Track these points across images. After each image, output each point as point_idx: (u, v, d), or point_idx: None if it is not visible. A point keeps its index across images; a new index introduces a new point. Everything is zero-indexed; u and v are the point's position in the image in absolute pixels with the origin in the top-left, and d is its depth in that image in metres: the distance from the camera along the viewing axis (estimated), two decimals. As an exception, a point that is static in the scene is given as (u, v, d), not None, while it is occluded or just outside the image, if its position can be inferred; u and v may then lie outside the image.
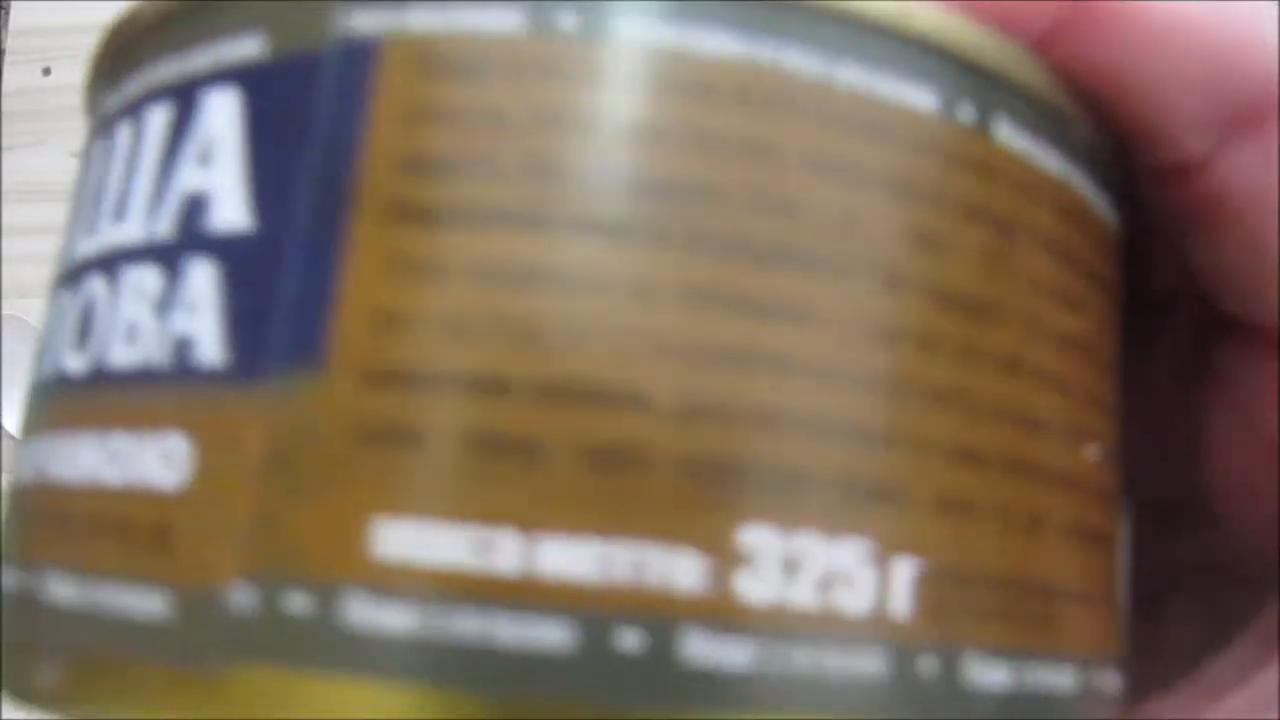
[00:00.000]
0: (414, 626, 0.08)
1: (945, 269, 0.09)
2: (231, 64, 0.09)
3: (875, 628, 0.08)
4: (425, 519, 0.08)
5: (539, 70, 0.08)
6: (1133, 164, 0.11)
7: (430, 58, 0.08)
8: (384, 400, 0.08)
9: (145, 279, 0.09)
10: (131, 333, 0.09)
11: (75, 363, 0.09)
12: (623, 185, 0.08)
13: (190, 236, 0.09)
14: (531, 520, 0.08)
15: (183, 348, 0.09)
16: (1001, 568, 0.09)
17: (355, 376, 0.08)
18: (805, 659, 0.08)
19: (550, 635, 0.08)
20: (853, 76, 0.09)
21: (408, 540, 0.08)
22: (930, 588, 0.09)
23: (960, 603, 0.09)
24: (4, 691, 0.09)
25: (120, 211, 0.09)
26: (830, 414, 0.08)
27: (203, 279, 0.09)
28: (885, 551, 0.08)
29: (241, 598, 0.08)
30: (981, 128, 0.09)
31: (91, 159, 0.10)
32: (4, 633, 0.09)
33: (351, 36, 0.09)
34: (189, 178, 0.09)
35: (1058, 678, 0.09)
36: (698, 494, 0.08)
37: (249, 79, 0.09)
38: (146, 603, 0.08)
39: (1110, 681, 0.10)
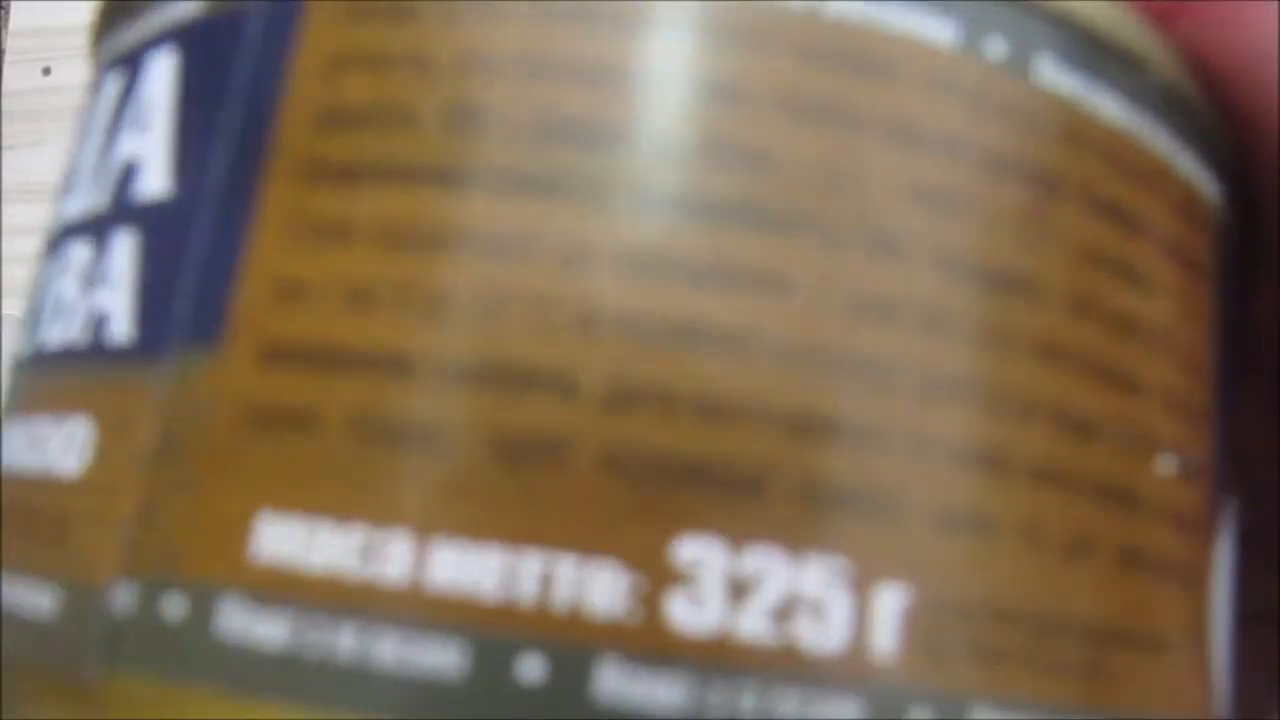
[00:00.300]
0: (289, 640, 0.07)
1: (959, 234, 0.07)
2: (172, 24, 0.09)
3: (849, 669, 0.07)
4: (311, 517, 0.07)
5: (475, 11, 0.07)
6: (1248, 143, 0.09)
7: (356, 3, 0.08)
8: (278, 381, 0.07)
9: (79, 254, 0.09)
10: (58, 310, 0.09)
11: (23, 346, 0.09)
12: (550, 135, 0.07)
13: (120, 207, 0.08)
14: (427, 523, 0.07)
15: (98, 325, 0.08)
16: (1027, 601, 0.07)
17: (252, 354, 0.07)
18: (754, 704, 0.06)
19: (438, 658, 0.07)
20: (846, 4, 0.07)
21: (290, 541, 0.07)
22: (925, 621, 0.07)
23: (967, 642, 0.07)
24: None
25: (70, 186, 0.09)
26: (797, 403, 0.07)
27: (122, 251, 0.08)
28: (866, 574, 0.07)
29: (121, 598, 0.07)
30: (1016, 66, 0.08)
31: (76, 132, 0.10)
32: None
33: None
34: (125, 145, 0.09)
35: None
36: (624, 497, 0.07)
37: (186, 39, 0.08)
38: (39, 599, 0.08)
39: None
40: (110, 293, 0.08)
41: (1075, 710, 0.07)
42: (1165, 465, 0.08)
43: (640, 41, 0.07)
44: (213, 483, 0.07)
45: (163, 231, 0.08)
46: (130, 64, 0.09)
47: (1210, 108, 0.09)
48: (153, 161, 0.08)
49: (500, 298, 0.07)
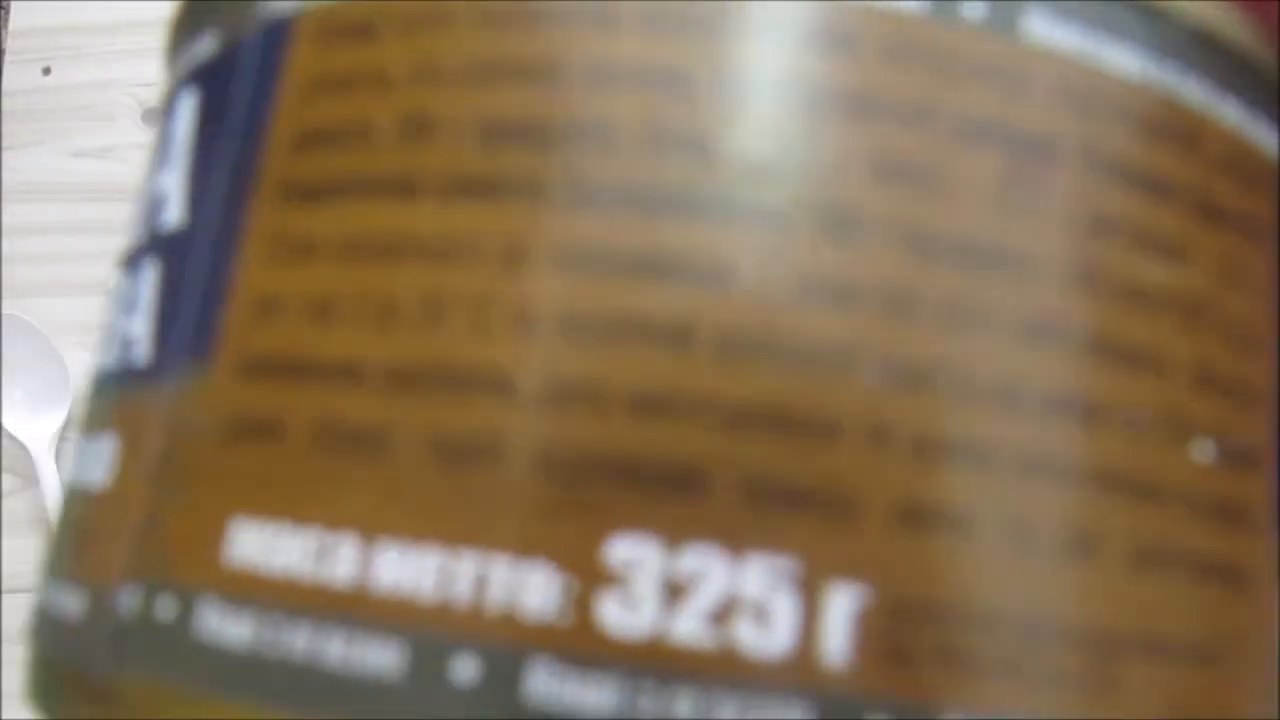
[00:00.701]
0: (252, 640, 0.07)
1: (924, 208, 0.07)
2: (195, 65, 0.09)
3: (795, 674, 0.06)
4: (275, 521, 0.07)
5: (427, 23, 0.08)
6: None
7: (329, 25, 0.08)
8: (254, 393, 0.07)
9: (121, 285, 0.09)
10: (109, 339, 0.09)
11: (91, 373, 0.10)
12: (491, 139, 0.07)
13: (150, 240, 0.09)
14: (372, 525, 0.07)
15: (126, 349, 0.09)
16: (1010, 604, 0.07)
17: (234, 369, 0.08)
18: (690, 709, 0.06)
19: (379, 659, 0.07)
20: None
21: (257, 545, 0.07)
22: (883, 624, 0.06)
23: (935, 648, 0.07)
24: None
25: (129, 226, 0.10)
26: (738, 397, 0.07)
27: (147, 280, 0.09)
28: (814, 574, 0.06)
29: (126, 600, 0.08)
30: (999, 24, 0.07)
31: None
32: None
33: (270, 17, 0.08)
34: (157, 182, 0.09)
35: None
36: (558, 497, 0.07)
37: (203, 78, 0.09)
38: (72, 603, 0.08)
39: None
40: (138, 319, 0.09)
41: None
42: (1202, 451, 0.07)
43: (578, 38, 0.07)
44: (199, 490, 0.07)
45: (175, 259, 0.08)
46: (168, 107, 0.10)
47: (1267, 51, 0.08)
48: (173, 195, 0.09)
49: (442, 301, 0.07)
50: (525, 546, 0.06)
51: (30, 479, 0.52)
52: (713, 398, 0.07)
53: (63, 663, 0.08)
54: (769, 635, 0.06)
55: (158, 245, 0.09)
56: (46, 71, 0.52)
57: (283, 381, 0.07)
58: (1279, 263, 0.08)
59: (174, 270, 0.08)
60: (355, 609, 0.07)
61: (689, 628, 0.06)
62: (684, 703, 0.06)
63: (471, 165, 0.07)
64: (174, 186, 0.09)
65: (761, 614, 0.06)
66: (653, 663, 0.06)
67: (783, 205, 0.07)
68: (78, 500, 0.09)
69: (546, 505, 0.07)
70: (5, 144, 0.51)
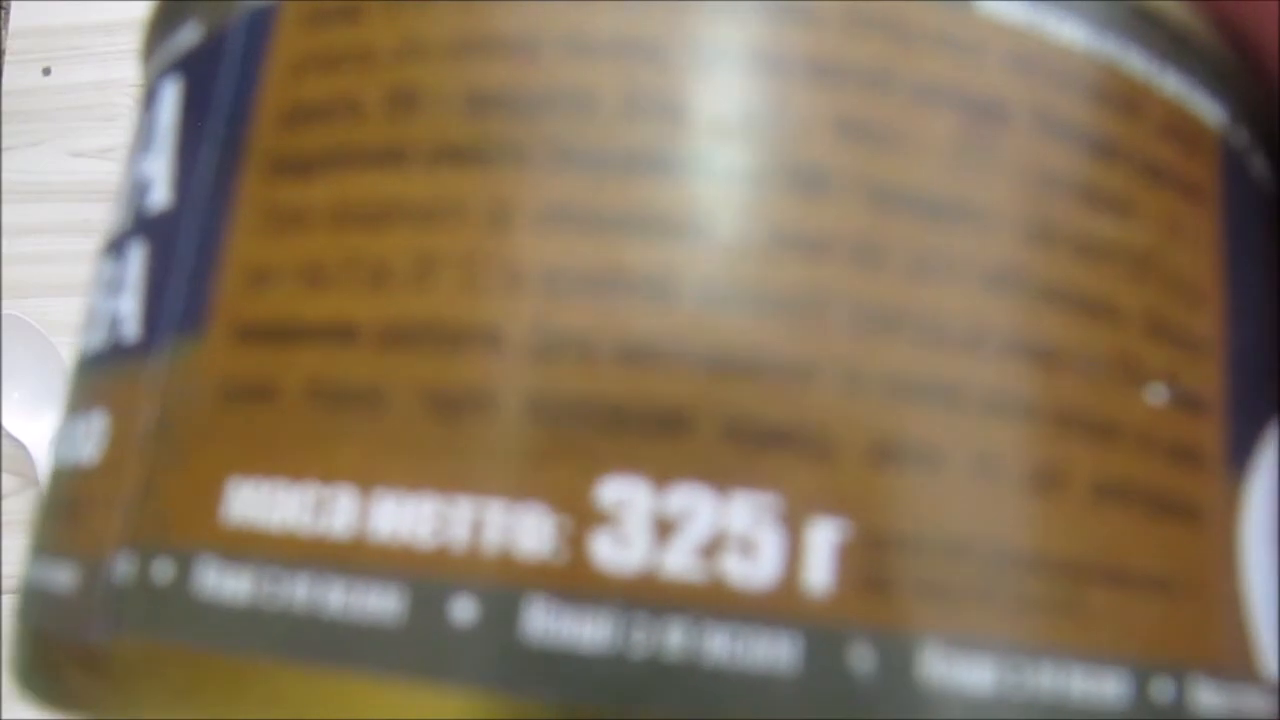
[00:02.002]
0: (250, 594, 0.07)
1: (889, 165, 0.07)
2: (178, 54, 0.09)
3: (781, 605, 0.07)
4: (271, 479, 0.07)
5: (410, 1, 0.08)
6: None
7: (314, 9, 0.08)
8: (248, 358, 0.08)
9: (106, 268, 0.10)
10: (92, 320, 0.10)
11: (76, 355, 0.10)
12: (475, 108, 0.08)
13: (136, 222, 0.09)
14: (369, 477, 0.07)
15: (115, 328, 0.09)
16: (982, 535, 0.07)
17: (228, 336, 0.08)
18: (681, 641, 0.07)
19: (379, 603, 0.07)
20: None
21: (253, 502, 0.07)
22: (864, 557, 0.07)
23: (914, 578, 0.07)
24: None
25: (112, 211, 0.10)
26: (719, 343, 0.07)
27: (135, 260, 0.09)
28: (796, 510, 0.07)
29: (122, 567, 0.08)
30: None
31: None
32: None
33: (255, 4, 0.09)
34: (141, 167, 0.09)
35: (1088, 683, 0.07)
36: (549, 442, 0.07)
37: (186, 66, 0.09)
38: (62, 576, 0.08)
39: (1212, 697, 0.08)
40: (125, 298, 0.09)
41: (1046, 648, 0.07)
42: (1155, 395, 0.08)
43: (556, 11, 0.08)
44: (195, 455, 0.08)
45: (162, 238, 0.09)
46: (150, 96, 0.10)
47: (1205, 29, 0.09)
48: (159, 178, 0.09)
49: (433, 261, 0.07)
50: (519, 490, 0.07)
51: (30, 479, 0.52)
52: (694, 345, 0.07)
53: (55, 636, 0.08)
54: (755, 568, 0.07)
55: (144, 226, 0.09)
56: (46, 71, 0.52)
57: (277, 345, 0.08)
58: (1222, 224, 0.09)
59: (163, 248, 0.09)
60: (354, 558, 0.07)
61: (679, 562, 0.07)
62: (675, 635, 0.07)
63: (457, 133, 0.07)
64: (159, 170, 0.09)
65: (748, 547, 0.07)
66: (645, 597, 0.07)
67: (753, 164, 0.07)
68: (66, 477, 0.09)
69: (539, 451, 0.07)
70: (5, 144, 0.51)
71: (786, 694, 0.07)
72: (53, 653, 0.08)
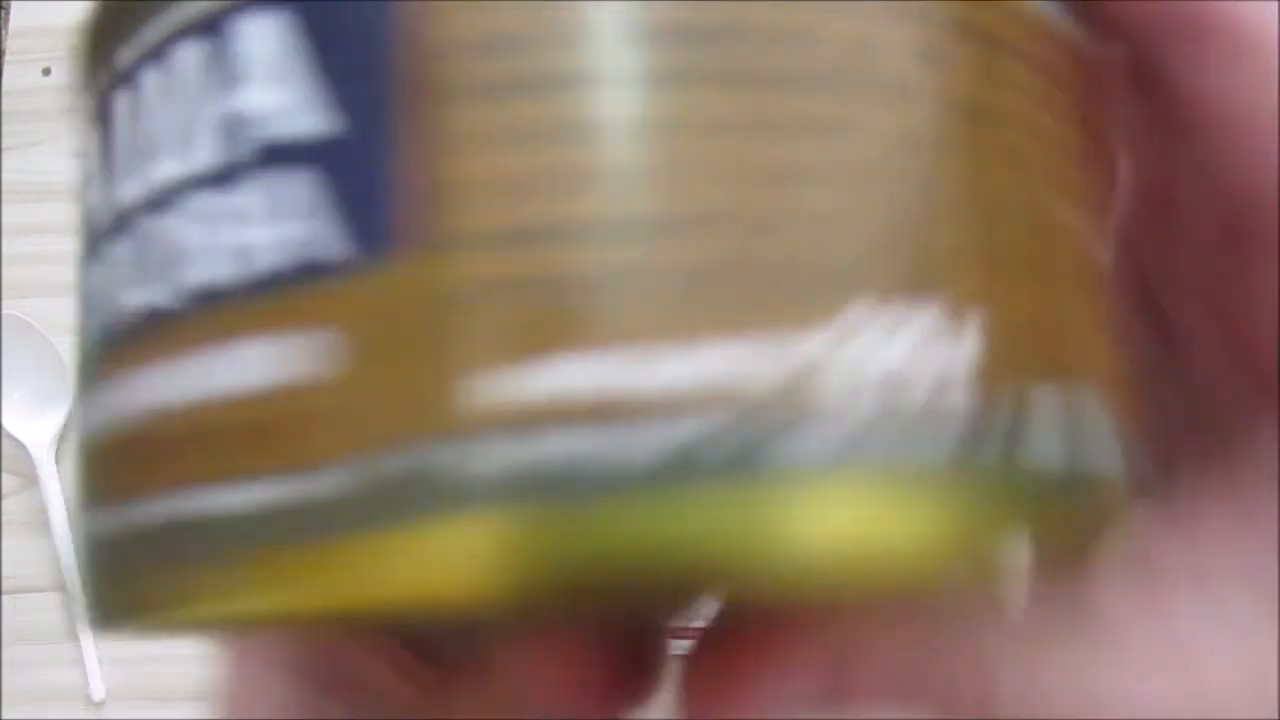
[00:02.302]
0: (502, 461, 0.08)
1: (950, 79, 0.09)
2: None
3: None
4: (514, 363, 0.08)
5: None
6: None
7: None
8: (453, 265, 0.09)
9: (232, 201, 0.10)
10: (240, 251, 0.10)
11: (156, 296, 0.10)
12: (636, 35, 0.09)
13: (265, 152, 0.09)
14: (634, 338, 0.08)
15: (298, 250, 0.09)
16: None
17: (429, 247, 0.09)
18: None
19: (641, 446, 0.08)
20: None
21: (492, 389, 0.08)
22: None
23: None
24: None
25: (182, 146, 0.10)
26: (840, 210, 0.09)
27: (267, 190, 0.09)
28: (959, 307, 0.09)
29: (346, 474, 0.09)
30: None
31: (111, 113, 0.11)
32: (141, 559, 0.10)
33: None
34: (239, 100, 0.10)
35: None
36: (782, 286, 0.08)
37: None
38: (241, 497, 0.09)
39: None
40: (257, 229, 0.09)
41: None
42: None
43: None
44: (413, 357, 0.09)
45: (336, 161, 0.09)
46: (214, 28, 0.10)
47: None
48: (293, 108, 0.09)
49: (635, 167, 0.09)
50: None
51: (30, 479, 0.52)
52: (835, 212, 0.09)
53: (267, 546, 0.09)
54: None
55: (287, 154, 0.09)
56: (46, 71, 0.52)
57: (479, 251, 0.08)
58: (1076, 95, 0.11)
59: (342, 169, 0.09)
60: (608, 413, 0.08)
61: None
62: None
63: (618, 62, 0.09)
64: (289, 100, 0.09)
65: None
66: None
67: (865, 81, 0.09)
68: (266, 402, 0.09)
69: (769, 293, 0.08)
70: (5, 144, 0.51)
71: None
72: (265, 563, 0.09)
